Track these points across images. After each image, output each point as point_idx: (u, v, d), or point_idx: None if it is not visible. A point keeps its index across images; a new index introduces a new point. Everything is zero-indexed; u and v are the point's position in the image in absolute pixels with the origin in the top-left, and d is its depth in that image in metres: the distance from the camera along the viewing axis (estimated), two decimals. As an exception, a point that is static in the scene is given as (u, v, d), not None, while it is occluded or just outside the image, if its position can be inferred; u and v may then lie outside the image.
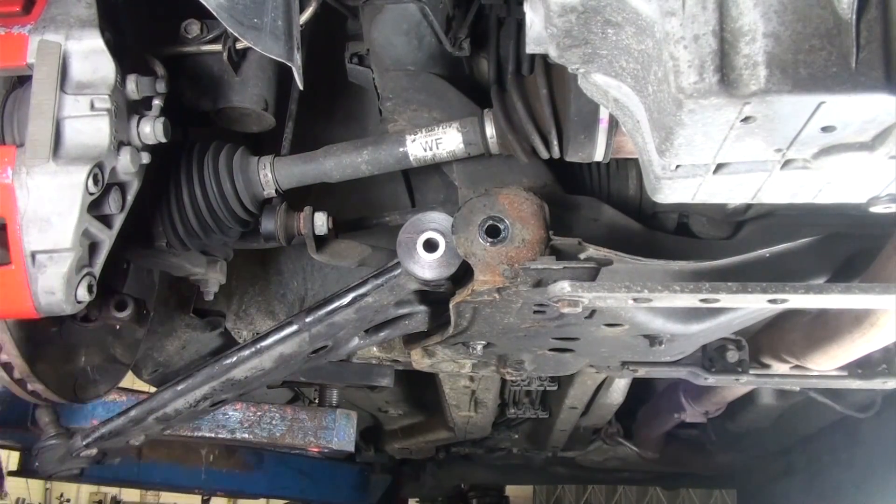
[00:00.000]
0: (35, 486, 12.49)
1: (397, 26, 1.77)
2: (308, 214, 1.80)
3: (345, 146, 1.72)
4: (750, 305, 1.47)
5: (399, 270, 1.50)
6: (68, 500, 14.08)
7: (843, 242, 1.72)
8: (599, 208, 1.80)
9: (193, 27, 1.69)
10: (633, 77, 1.15)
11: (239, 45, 1.69)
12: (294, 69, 1.50)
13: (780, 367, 2.15)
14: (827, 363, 2.00)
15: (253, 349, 1.55)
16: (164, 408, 1.55)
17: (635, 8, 1.05)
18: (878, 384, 2.14)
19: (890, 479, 3.18)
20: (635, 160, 1.70)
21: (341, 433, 3.14)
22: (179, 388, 1.55)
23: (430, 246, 1.47)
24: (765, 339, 2.13)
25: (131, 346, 2.03)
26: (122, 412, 1.58)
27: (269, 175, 1.73)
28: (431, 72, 1.81)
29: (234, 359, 1.56)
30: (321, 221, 1.80)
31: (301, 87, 1.56)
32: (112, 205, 1.51)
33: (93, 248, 1.51)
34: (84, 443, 1.57)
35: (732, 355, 2.09)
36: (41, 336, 1.68)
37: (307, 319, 1.55)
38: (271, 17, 1.45)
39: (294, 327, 1.55)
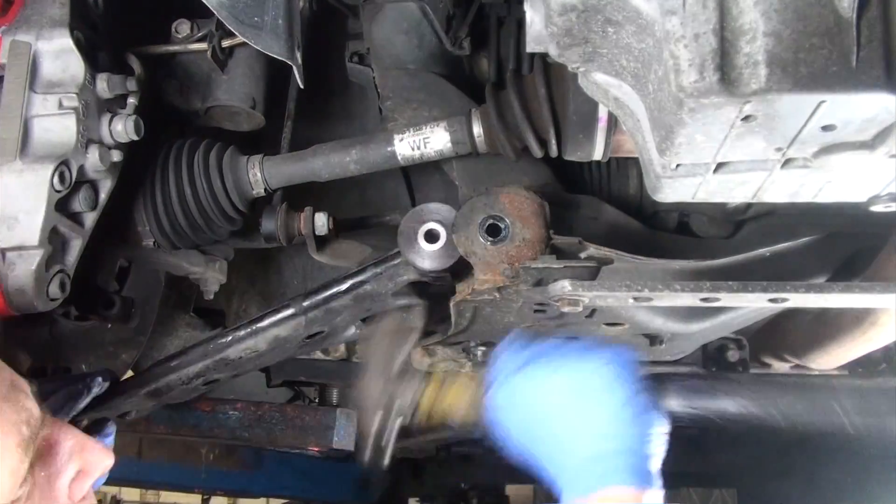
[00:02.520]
0: (35, 486, 12.49)
1: (397, 25, 1.77)
2: (308, 215, 1.80)
3: (333, 145, 1.72)
4: (750, 305, 1.47)
5: (399, 260, 1.50)
6: (68, 500, 14.06)
7: (844, 241, 1.72)
8: (600, 207, 1.80)
9: (183, 26, 1.70)
10: (633, 76, 1.14)
11: (225, 43, 1.69)
12: (294, 68, 1.50)
13: (780, 367, 2.15)
14: (827, 362, 2.00)
15: (248, 330, 1.55)
16: (154, 382, 1.54)
17: (636, 6, 1.05)
18: (878, 383, 2.14)
19: (890, 479, 3.18)
20: (636, 159, 1.70)
21: (341, 432, 3.13)
22: (172, 364, 1.55)
23: (431, 237, 1.47)
24: (765, 339, 2.13)
25: (131, 346, 2.02)
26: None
27: (259, 174, 1.73)
28: (432, 71, 1.81)
29: (230, 338, 1.55)
30: (322, 222, 1.80)
31: (301, 86, 1.56)
32: (82, 203, 1.51)
33: (64, 245, 1.51)
34: (72, 414, 1.56)
35: (733, 354, 2.09)
36: (31, 335, 1.68)
37: (304, 303, 1.55)
38: (272, 16, 1.45)
39: (291, 311, 1.55)
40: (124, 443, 3.46)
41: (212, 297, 2.02)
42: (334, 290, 1.54)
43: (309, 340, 1.60)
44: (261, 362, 1.60)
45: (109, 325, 1.86)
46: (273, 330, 1.55)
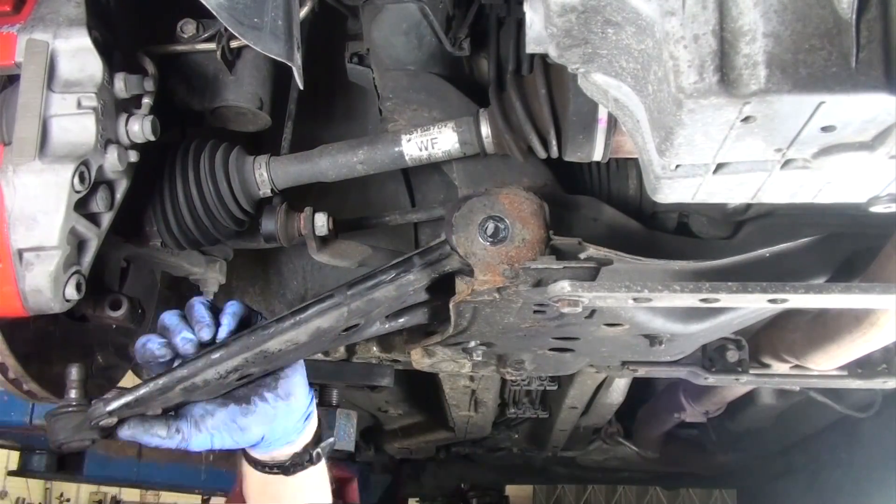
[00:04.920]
0: (35, 486, 12.49)
1: (397, 26, 1.77)
2: (308, 215, 1.80)
3: (340, 146, 1.72)
4: (750, 305, 1.47)
5: (443, 249, 1.49)
6: (68, 500, 14.06)
7: (843, 242, 1.72)
8: (599, 208, 1.80)
9: (189, 26, 1.69)
10: (633, 77, 1.15)
11: (234, 44, 1.69)
12: (294, 69, 1.50)
13: (780, 367, 2.15)
14: (827, 363, 2.00)
15: (292, 321, 1.51)
16: (193, 377, 1.51)
17: (635, 7, 1.05)
18: (878, 384, 2.14)
19: (890, 479, 3.18)
20: (635, 160, 1.70)
21: (341, 433, 3.13)
22: (214, 356, 1.51)
23: None
24: (765, 339, 2.13)
25: (131, 346, 2.03)
26: (148, 380, 1.53)
27: (265, 174, 1.73)
28: (431, 71, 1.81)
29: (272, 329, 1.52)
30: (321, 222, 1.80)
31: (301, 87, 1.56)
32: (100, 203, 1.51)
33: (81, 246, 1.51)
34: (108, 410, 1.51)
35: (732, 355, 2.09)
36: (37, 336, 1.68)
37: (349, 292, 1.53)
38: (272, 17, 1.45)
39: (335, 300, 1.52)
40: (125, 443, 3.45)
41: (211, 297, 2.02)
42: (379, 279, 1.52)
43: (345, 333, 1.58)
44: (296, 356, 1.58)
45: (114, 326, 1.86)
46: (316, 321, 1.51)
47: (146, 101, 1.57)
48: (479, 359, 1.83)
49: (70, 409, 1.51)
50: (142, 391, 1.51)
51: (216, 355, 1.51)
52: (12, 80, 1.49)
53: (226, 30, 1.67)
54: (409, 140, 1.67)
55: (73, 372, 1.53)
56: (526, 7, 1.18)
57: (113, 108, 1.51)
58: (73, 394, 1.52)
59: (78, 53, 1.44)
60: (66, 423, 1.51)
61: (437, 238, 1.55)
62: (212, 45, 1.69)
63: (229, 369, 1.51)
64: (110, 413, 1.49)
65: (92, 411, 1.48)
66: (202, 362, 1.51)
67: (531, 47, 1.20)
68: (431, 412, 3.99)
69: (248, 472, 1.68)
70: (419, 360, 1.97)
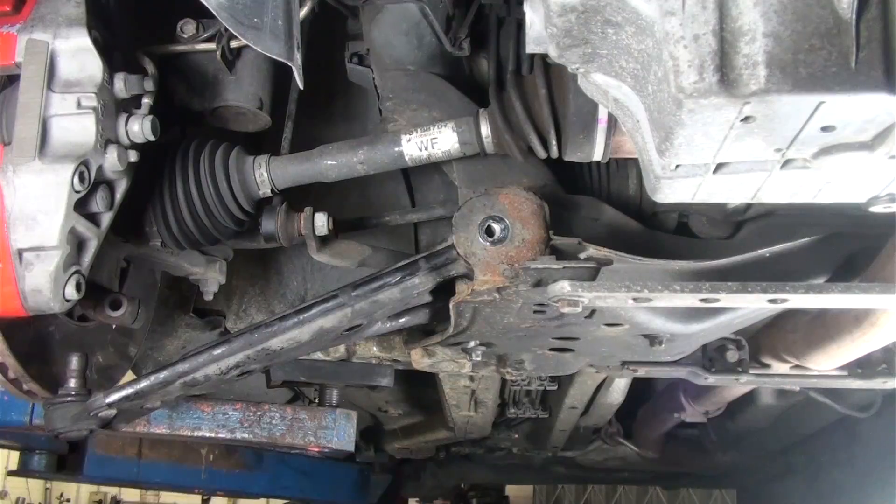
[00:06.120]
0: (35, 486, 12.49)
1: (397, 26, 1.77)
2: (308, 215, 1.80)
3: (340, 146, 1.72)
4: (750, 305, 1.47)
5: (450, 254, 1.49)
6: (68, 500, 14.07)
7: (843, 242, 1.72)
8: (599, 208, 1.80)
9: (189, 26, 1.70)
10: (632, 77, 1.15)
11: (234, 44, 1.70)
12: (294, 69, 1.50)
13: (780, 367, 2.15)
14: (827, 363, 2.00)
15: (296, 320, 1.51)
16: (195, 372, 1.50)
17: (635, 7, 1.05)
18: (878, 384, 2.14)
19: (890, 479, 3.18)
20: (635, 160, 1.70)
21: (341, 433, 3.13)
22: (216, 352, 1.50)
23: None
24: (765, 339, 2.13)
25: (131, 346, 2.03)
26: (149, 373, 1.52)
27: (265, 174, 1.73)
28: (431, 71, 1.81)
29: (275, 328, 1.52)
30: (321, 222, 1.80)
31: (301, 87, 1.57)
32: (100, 203, 1.51)
33: (81, 246, 1.52)
34: (107, 401, 1.50)
35: (732, 355, 2.10)
36: (36, 336, 1.68)
37: (353, 294, 1.52)
38: (271, 17, 1.45)
39: (339, 301, 1.52)
40: (124, 443, 3.46)
41: (211, 297, 2.03)
42: (385, 281, 1.51)
43: (346, 333, 1.57)
44: (297, 353, 1.58)
45: (114, 326, 1.86)
46: (319, 321, 1.51)
47: (146, 101, 1.57)
48: (479, 359, 1.83)
49: (69, 398, 1.51)
50: (142, 384, 1.51)
51: (218, 351, 1.50)
52: (12, 79, 1.49)
53: (226, 30, 1.67)
54: (409, 140, 1.67)
55: (74, 361, 1.52)
56: (526, 7, 1.19)
57: (113, 108, 1.51)
58: (72, 383, 1.52)
59: (78, 53, 1.45)
60: (64, 413, 1.51)
61: (437, 239, 1.55)
62: (212, 45, 1.69)
63: (231, 365, 1.51)
64: (110, 405, 1.49)
65: (91, 402, 1.48)
66: (204, 357, 1.51)
67: (531, 47, 1.20)
68: (431, 412, 3.99)
69: None
70: (419, 360, 1.97)
